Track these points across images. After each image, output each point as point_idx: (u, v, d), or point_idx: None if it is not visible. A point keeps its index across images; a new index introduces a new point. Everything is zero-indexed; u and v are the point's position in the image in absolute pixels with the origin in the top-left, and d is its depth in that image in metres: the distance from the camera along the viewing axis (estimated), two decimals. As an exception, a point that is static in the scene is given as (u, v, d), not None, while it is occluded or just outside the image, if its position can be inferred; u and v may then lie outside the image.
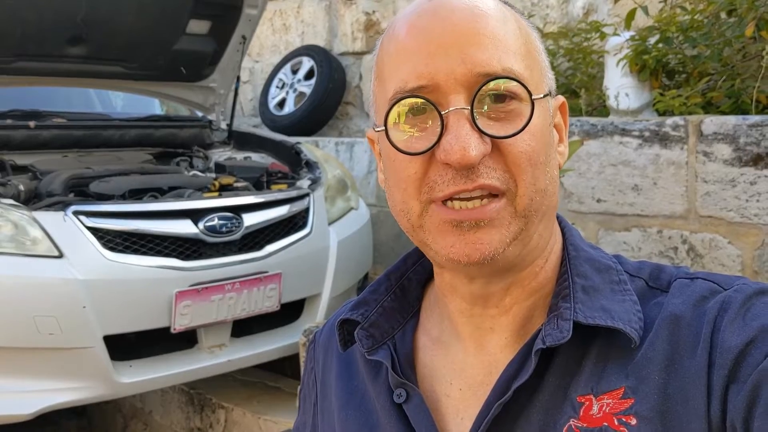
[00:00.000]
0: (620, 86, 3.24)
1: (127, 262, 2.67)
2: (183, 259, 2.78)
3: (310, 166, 3.59)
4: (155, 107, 4.44)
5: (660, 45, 3.19)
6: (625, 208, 2.96)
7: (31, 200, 2.86)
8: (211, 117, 4.19)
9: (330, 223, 3.38)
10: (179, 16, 3.63)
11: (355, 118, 5.64)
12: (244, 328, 3.07)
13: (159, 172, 3.42)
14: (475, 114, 0.70)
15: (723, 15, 3.23)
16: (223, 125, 4.15)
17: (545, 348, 0.72)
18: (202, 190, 3.21)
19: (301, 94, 5.49)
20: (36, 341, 2.49)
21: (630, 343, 0.72)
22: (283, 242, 3.10)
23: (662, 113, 3.13)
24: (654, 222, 2.89)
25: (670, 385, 0.69)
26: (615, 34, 3.44)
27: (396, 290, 0.89)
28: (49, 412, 2.61)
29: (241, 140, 4.10)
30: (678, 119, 2.79)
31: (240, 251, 2.95)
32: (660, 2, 3.53)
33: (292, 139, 3.93)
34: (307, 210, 3.26)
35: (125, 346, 2.75)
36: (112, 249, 2.66)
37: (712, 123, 2.69)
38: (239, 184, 3.38)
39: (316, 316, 3.24)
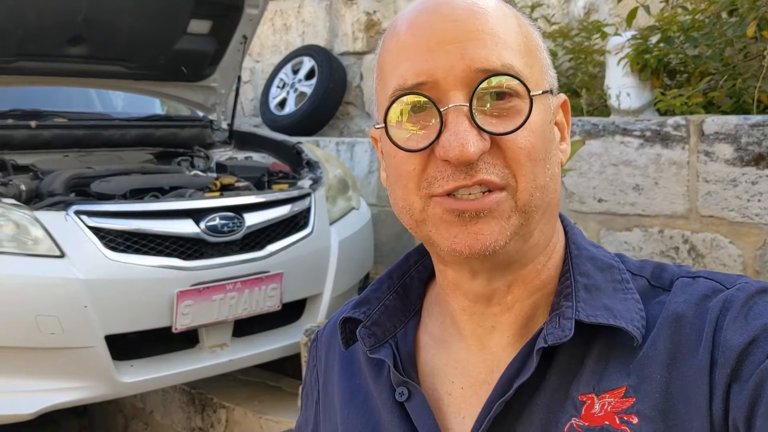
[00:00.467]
0: (621, 86, 3.24)
1: (128, 261, 2.67)
2: (184, 258, 2.78)
3: (311, 165, 3.59)
4: (156, 107, 4.44)
5: (661, 45, 3.20)
6: (626, 207, 2.96)
7: (33, 200, 2.87)
8: (212, 117, 4.19)
9: (331, 223, 3.37)
10: (180, 15, 3.63)
11: (356, 118, 5.64)
12: (245, 327, 3.07)
13: (160, 171, 3.42)
14: (474, 111, 0.70)
15: (724, 15, 3.23)
16: (224, 125, 4.15)
17: (547, 347, 0.72)
18: (203, 189, 3.21)
19: (302, 94, 5.49)
20: (37, 341, 2.49)
21: (632, 342, 0.72)
22: (285, 242, 3.10)
23: (663, 113, 3.13)
24: (655, 222, 2.89)
25: (672, 383, 0.69)
26: (616, 33, 3.45)
27: (398, 289, 0.89)
28: (50, 411, 2.61)
29: (242, 140, 4.11)
30: (679, 119, 2.79)
31: (241, 251, 2.95)
32: (661, 2, 3.53)
33: (293, 139, 3.93)
34: (308, 210, 3.26)
35: (126, 346, 2.74)
36: (113, 249, 2.66)
37: (713, 123, 2.69)
38: (240, 184, 3.38)
39: (318, 316, 3.24)
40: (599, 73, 3.69)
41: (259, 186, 3.52)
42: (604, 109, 3.56)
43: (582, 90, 3.54)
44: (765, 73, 2.86)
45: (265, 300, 2.99)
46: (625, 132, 2.93)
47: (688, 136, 2.76)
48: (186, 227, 2.83)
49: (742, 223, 2.64)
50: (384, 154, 0.80)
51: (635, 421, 0.69)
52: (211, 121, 4.14)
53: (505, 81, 0.71)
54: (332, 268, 3.27)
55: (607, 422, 0.70)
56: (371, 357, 0.84)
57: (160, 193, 3.10)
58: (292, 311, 3.22)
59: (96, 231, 2.65)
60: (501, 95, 0.71)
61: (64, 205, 2.66)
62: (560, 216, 0.85)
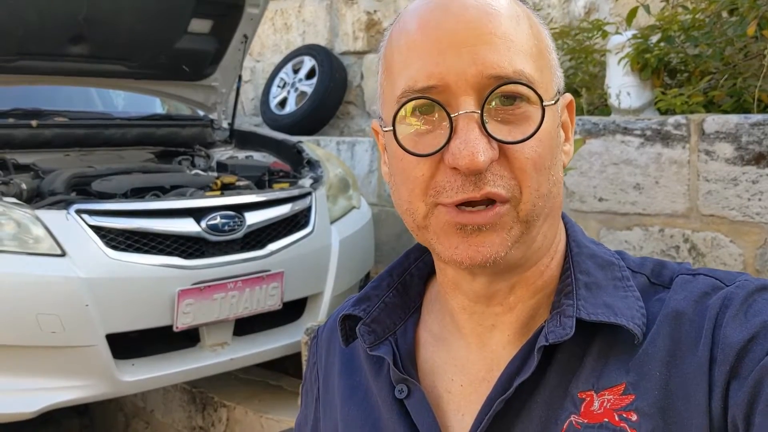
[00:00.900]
0: (622, 85, 3.24)
1: (129, 260, 2.67)
2: (185, 257, 2.79)
3: (312, 164, 3.59)
4: (157, 106, 4.44)
5: (662, 44, 3.20)
6: (626, 207, 2.96)
7: (34, 199, 2.87)
8: (213, 116, 4.19)
9: (332, 222, 3.38)
10: (181, 15, 3.63)
11: (357, 118, 5.64)
12: (246, 326, 3.07)
13: (161, 170, 3.43)
14: (485, 118, 0.69)
15: (724, 14, 3.23)
16: (225, 124, 4.15)
17: (548, 345, 0.72)
18: (204, 188, 3.21)
19: (303, 93, 5.49)
20: (38, 339, 2.49)
21: (632, 339, 0.72)
22: (285, 241, 3.10)
23: (664, 112, 3.13)
24: (656, 221, 2.89)
25: (672, 381, 0.69)
26: (617, 33, 3.45)
27: (398, 286, 0.89)
28: (52, 410, 2.61)
29: (243, 139, 4.11)
30: (680, 118, 2.79)
31: (242, 250, 2.95)
32: (662, 1, 3.53)
33: (294, 138, 3.93)
34: (309, 209, 3.27)
35: (128, 345, 2.75)
36: (114, 247, 2.66)
37: (714, 122, 2.69)
38: (241, 183, 3.38)
39: (318, 315, 3.24)
40: (600, 72, 3.69)
41: (260, 185, 3.53)
42: (604, 109, 3.56)
43: (582, 89, 3.54)
44: (765, 72, 2.86)
45: (266, 299, 2.99)
46: (626, 131, 2.93)
47: (688, 135, 2.76)
48: (187, 226, 2.83)
49: (743, 222, 2.64)
50: (388, 152, 0.79)
51: (634, 418, 0.69)
52: (212, 121, 4.14)
53: (518, 88, 0.70)
54: (333, 267, 3.27)
55: (606, 419, 0.70)
56: (371, 354, 0.84)
57: (160, 192, 3.10)
58: (292, 310, 3.22)
59: (97, 230, 2.65)
60: (510, 100, 0.70)
61: (65, 204, 2.66)
62: (561, 214, 0.85)
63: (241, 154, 3.99)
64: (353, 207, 3.59)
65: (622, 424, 0.69)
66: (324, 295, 3.26)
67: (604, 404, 0.71)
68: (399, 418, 0.79)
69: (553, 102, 0.74)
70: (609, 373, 0.72)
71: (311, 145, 3.86)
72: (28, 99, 3.68)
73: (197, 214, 2.88)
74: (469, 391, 0.79)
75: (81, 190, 3.01)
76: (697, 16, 3.27)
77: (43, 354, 2.53)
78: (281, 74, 5.70)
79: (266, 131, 4.45)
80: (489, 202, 0.70)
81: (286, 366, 3.53)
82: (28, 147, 3.33)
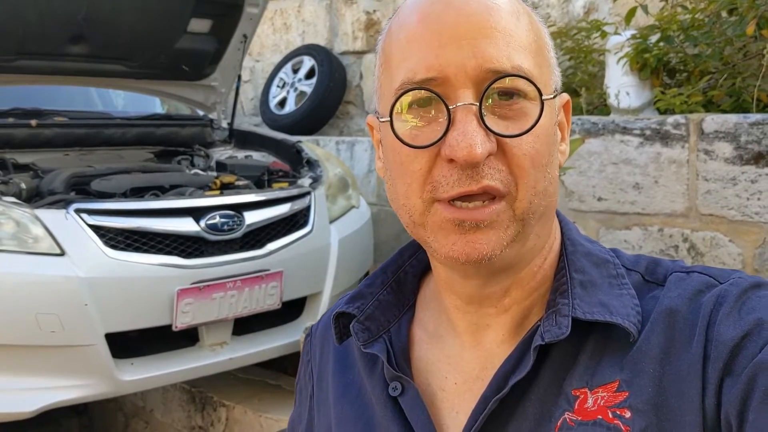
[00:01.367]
0: (621, 85, 3.25)
1: (128, 260, 2.67)
2: (184, 257, 2.79)
3: (311, 164, 3.59)
4: (156, 106, 4.44)
5: (661, 44, 3.20)
6: (626, 206, 2.96)
7: (33, 198, 2.87)
8: (212, 116, 4.19)
9: (331, 222, 3.38)
10: (180, 14, 3.64)
11: (356, 117, 5.64)
12: (245, 326, 3.07)
13: (160, 170, 3.43)
14: (483, 111, 0.69)
15: (724, 14, 3.23)
16: (224, 124, 4.15)
17: (544, 344, 0.73)
18: (203, 188, 3.21)
19: (302, 93, 5.49)
20: (38, 339, 2.49)
21: (627, 337, 0.72)
22: (285, 240, 3.10)
23: (663, 112, 3.13)
24: (655, 220, 2.89)
25: (665, 378, 0.70)
26: (616, 32, 3.45)
27: (392, 284, 0.89)
28: (51, 410, 2.61)
29: (242, 139, 4.11)
30: (679, 117, 2.79)
31: (241, 249, 2.95)
32: (661, 1, 3.53)
33: (293, 138, 3.93)
34: (308, 208, 3.27)
35: (127, 344, 2.75)
36: (113, 247, 2.66)
37: (713, 121, 2.69)
38: (240, 183, 3.38)
39: (317, 315, 3.24)
40: (599, 72, 3.69)
41: (259, 185, 3.53)
42: (603, 108, 3.56)
43: (582, 89, 3.54)
44: (764, 71, 2.86)
45: (265, 298, 2.99)
46: (625, 131, 2.93)
47: (687, 135, 2.76)
48: (186, 225, 2.83)
49: (742, 221, 2.64)
50: (384, 146, 0.79)
51: (628, 415, 0.69)
52: (212, 120, 4.14)
53: (516, 82, 0.70)
54: (332, 267, 3.28)
55: (599, 416, 0.70)
56: (365, 352, 0.84)
57: (160, 191, 3.10)
58: (292, 309, 3.22)
59: (96, 229, 2.65)
60: (509, 95, 0.70)
61: (64, 204, 2.66)
62: (556, 213, 0.84)
63: (241, 154, 3.99)
64: (352, 206, 3.59)
65: (615, 421, 0.69)
66: (323, 295, 3.26)
67: (598, 401, 0.71)
68: (393, 416, 0.79)
69: (551, 96, 0.74)
70: (603, 371, 0.72)
71: (310, 145, 3.86)
72: (28, 98, 3.68)
73: (196, 213, 2.88)
74: (464, 389, 0.79)
75: (80, 189, 3.01)
76: (696, 15, 3.27)
77: (43, 353, 2.53)
78: (281, 74, 5.70)
79: (265, 131, 4.45)
80: (486, 198, 0.70)
81: (285, 365, 3.53)
82: (27, 146, 3.33)
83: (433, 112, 0.71)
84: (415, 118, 0.72)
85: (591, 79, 3.74)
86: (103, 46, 3.56)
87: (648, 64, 3.18)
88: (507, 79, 0.69)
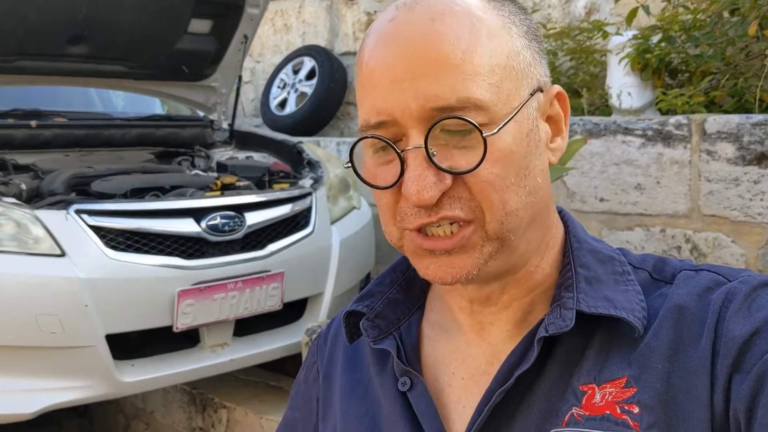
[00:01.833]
0: (623, 85, 3.24)
1: (129, 260, 2.66)
2: (185, 258, 2.78)
3: (312, 165, 3.58)
4: (156, 107, 4.44)
5: (662, 44, 3.20)
6: (628, 207, 2.95)
7: (33, 199, 2.86)
8: (213, 117, 4.19)
9: (332, 223, 3.37)
10: (181, 15, 3.63)
11: (357, 118, 5.60)
12: (246, 327, 3.06)
13: (161, 171, 3.42)
14: (430, 151, 0.68)
15: (725, 14, 3.23)
16: (225, 125, 4.15)
17: (548, 336, 0.73)
18: (204, 189, 3.20)
19: (303, 94, 5.49)
20: (38, 340, 2.49)
21: (633, 333, 0.72)
22: (286, 241, 3.09)
23: (665, 112, 3.13)
24: (657, 221, 2.88)
25: (674, 374, 0.69)
26: (617, 33, 3.45)
27: (401, 283, 0.90)
28: (51, 411, 2.60)
29: (243, 140, 4.10)
30: (681, 118, 2.79)
31: (242, 250, 2.95)
32: (663, 1, 3.53)
33: (294, 139, 3.92)
34: (309, 209, 3.26)
35: (127, 345, 2.74)
36: (114, 248, 2.66)
37: (715, 122, 2.69)
38: (241, 184, 3.37)
39: (319, 316, 3.23)
40: (600, 72, 3.69)
41: (260, 185, 3.52)
42: (605, 109, 3.56)
43: (583, 89, 3.54)
44: (767, 72, 2.85)
45: (266, 299, 2.98)
46: (627, 131, 2.92)
47: (689, 136, 2.75)
48: (187, 226, 2.82)
49: (744, 222, 2.64)
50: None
51: (636, 410, 0.69)
52: (212, 121, 4.13)
53: (461, 119, 0.68)
54: (333, 268, 3.27)
55: (608, 412, 0.70)
56: (375, 349, 0.85)
57: (160, 192, 3.10)
58: (293, 311, 3.21)
59: (97, 230, 2.64)
60: (459, 131, 0.69)
61: (64, 204, 2.66)
62: (560, 210, 0.84)
63: (241, 155, 3.98)
64: (353, 207, 3.58)
65: (624, 417, 0.69)
66: (324, 296, 3.26)
67: (606, 397, 0.71)
68: (401, 411, 0.80)
69: (494, 132, 0.70)
70: (611, 366, 0.72)
71: (311, 146, 3.85)
72: (28, 99, 3.67)
73: (197, 214, 2.87)
74: (470, 383, 0.80)
75: (81, 190, 3.00)
76: (698, 16, 3.27)
77: (43, 354, 2.53)
78: (281, 75, 5.70)
79: (266, 132, 4.45)
80: (452, 222, 0.71)
81: (287, 367, 3.52)
82: (27, 147, 3.33)
83: (389, 157, 0.73)
84: (375, 162, 0.74)
85: (592, 79, 3.73)
86: (103, 47, 3.56)
87: (650, 65, 3.18)
88: (450, 118, 0.68)
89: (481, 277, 0.73)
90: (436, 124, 0.68)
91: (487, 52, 0.70)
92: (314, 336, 1.04)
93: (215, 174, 3.58)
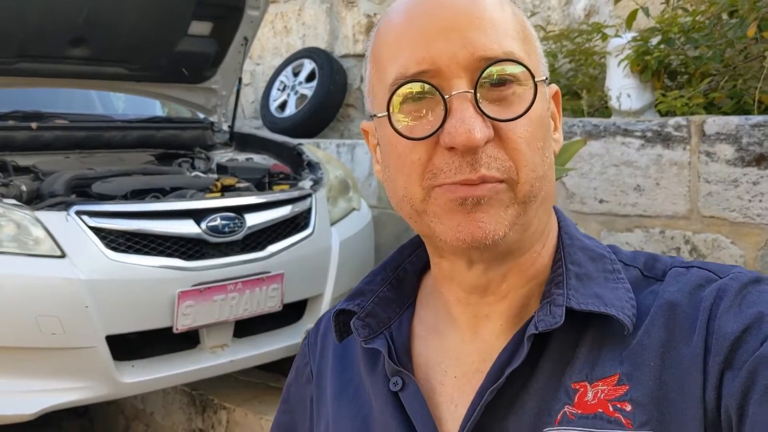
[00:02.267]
0: (622, 87, 3.24)
1: (129, 262, 2.66)
2: (185, 259, 2.78)
3: (312, 166, 3.59)
4: (157, 109, 4.44)
5: (662, 46, 3.20)
6: (627, 208, 2.96)
7: (34, 201, 2.86)
8: (213, 118, 4.19)
9: (332, 224, 3.37)
10: (181, 17, 3.64)
11: (357, 120, 5.64)
12: (246, 328, 3.06)
13: (161, 172, 3.42)
14: (478, 97, 0.70)
15: (725, 16, 3.23)
16: (225, 127, 4.15)
17: (538, 334, 0.73)
18: (204, 190, 3.21)
19: (303, 96, 5.49)
20: (38, 341, 2.49)
21: (623, 330, 0.72)
22: (286, 242, 3.10)
23: (664, 114, 3.13)
24: (656, 222, 2.89)
25: (666, 371, 0.70)
26: (616, 35, 3.45)
27: (392, 281, 0.89)
28: (51, 412, 2.60)
29: (243, 142, 4.11)
30: (680, 119, 2.79)
31: (242, 251, 2.95)
32: (662, 3, 3.53)
33: (294, 141, 3.93)
34: (309, 210, 3.26)
35: (127, 346, 2.74)
36: (114, 249, 2.66)
37: (714, 123, 2.69)
38: (241, 185, 3.38)
39: (319, 317, 3.22)
40: (600, 74, 3.69)
41: (260, 187, 3.52)
42: (604, 111, 3.56)
43: (583, 91, 3.54)
44: (766, 73, 2.86)
45: (266, 300, 2.98)
46: (626, 133, 2.93)
47: (689, 137, 2.76)
48: (187, 227, 2.82)
49: (744, 223, 2.64)
50: (381, 145, 0.80)
51: (628, 408, 0.69)
52: (212, 123, 4.14)
53: (508, 68, 0.71)
54: (333, 269, 3.27)
55: (600, 410, 0.70)
56: (366, 348, 0.84)
57: (161, 193, 3.10)
58: (293, 312, 3.21)
59: (97, 231, 2.65)
60: (501, 82, 0.71)
61: (65, 206, 2.66)
62: (553, 207, 0.85)
63: (242, 157, 3.99)
64: (353, 209, 3.59)
65: (616, 415, 0.69)
66: (324, 297, 3.26)
67: (598, 395, 0.71)
68: (393, 411, 0.80)
69: (544, 78, 0.75)
70: (603, 364, 0.72)
71: (311, 148, 3.86)
72: (28, 101, 3.68)
73: (197, 215, 2.87)
74: (463, 382, 0.80)
75: (81, 191, 3.00)
76: (697, 18, 3.27)
77: (43, 355, 2.53)
78: (281, 77, 5.70)
79: (266, 134, 4.45)
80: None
81: (287, 368, 3.50)
82: (28, 149, 3.33)
83: (424, 111, 0.72)
84: (407, 117, 0.73)
85: (592, 81, 3.74)
86: (103, 49, 3.56)
87: (649, 67, 3.18)
88: (500, 65, 0.70)
89: (501, 246, 0.73)
90: (488, 67, 0.70)
91: (519, 22, 0.76)
92: (304, 335, 1.04)
93: (215, 175, 3.58)
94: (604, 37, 3.62)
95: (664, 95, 3.07)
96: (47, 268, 2.52)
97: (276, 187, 3.49)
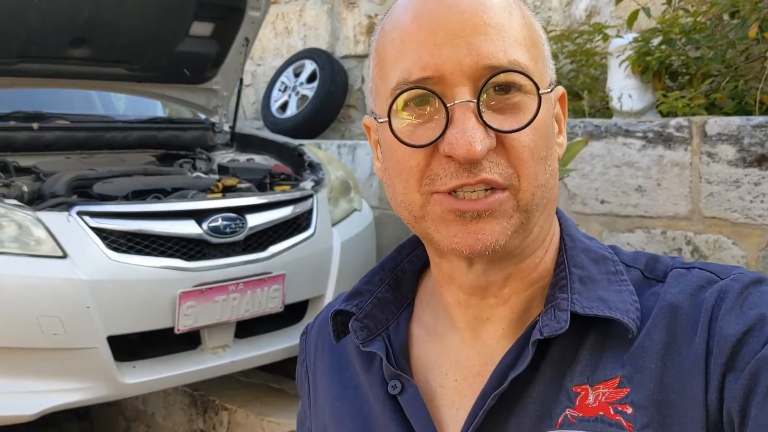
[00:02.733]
0: (623, 88, 3.24)
1: (130, 262, 2.66)
2: (187, 259, 2.78)
3: (313, 167, 3.58)
4: (158, 109, 4.44)
5: (663, 46, 3.20)
6: (628, 209, 2.95)
7: (35, 201, 2.86)
8: (214, 119, 4.19)
9: (333, 225, 3.37)
10: (182, 18, 3.64)
11: (358, 121, 5.64)
12: (247, 329, 3.06)
13: (162, 173, 3.43)
14: (481, 107, 0.69)
15: (726, 17, 3.23)
16: (226, 127, 4.15)
17: (542, 339, 0.72)
18: (205, 191, 3.21)
19: (304, 97, 5.49)
20: (40, 341, 2.49)
21: (626, 333, 0.72)
22: (287, 243, 3.09)
23: (665, 114, 3.13)
24: (658, 223, 2.88)
25: (667, 374, 0.69)
26: (618, 36, 3.45)
27: (390, 281, 0.88)
28: (52, 413, 2.60)
29: (244, 142, 4.11)
30: (682, 120, 2.79)
31: (244, 252, 2.95)
32: (663, 4, 3.53)
33: (295, 141, 3.93)
34: (310, 211, 3.26)
35: (129, 347, 2.74)
36: (116, 249, 2.66)
37: (716, 124, 2.69)
38: (242, 186, 3.38)
39: (319, 316, 3.22)
40: (601, 75, 3.69)
41: (261, 188, 3.52)
42: (606, 111, 3.56)
43: (584, 92, 3.54)
44: (767, 74, 2.86)
45: (268, 301, 2.98)
46: (628, 133, 2.93)
47: (690, 138, 2.76)
48: (188, 228, 2.82)
49: (745, 224, 2.64)
50: (382, 146, 0.79)
51: (629, 411, 0.69)
52: (213, 124, 4.14)
53: (513, 77, 0.70)
54: (334, 270, 3.27)
55: (601, 413, 0.70)
56: (363, 350, 0.84)
57: (162, 194, 3.10)
58: (294, 312, 3.21)
59: (98, 232, 2.65)
60: (505, 90, 0.70)
61: (66, 206, 2.66)
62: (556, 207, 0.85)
63: (243, 157, 3.99)
64: (354, 209, 3.59)
65: (617, 417, 0.69)
66: (325, 298, 3.25)
67: (599, 398, 0.70)
68: (392, 414, 0.79)
69: (548, 90, 0.74)
70: (604, 367, 0.72)
71: (312, 148, 3.86)
72: (30, 102, 3.68)
73: (199, 216, 2.87)
74: (464, 385, 0.79)
75: (82, 192, 3.00)
76: (698, 18, 3.27)
77: (44, 356, 2.53)
78: (282, 78, 5.70)
79: (267, 134, 4.45)
80: (486, 188, 0.70)
81: (288, 369, 3.52)
82: (29, 150, 3.33)
83: (429, 110, 0.71)
84: (411, 115, 0.72)
85: (593, 82, 3.73)
86: (104, 50, 3.56)
87: (650, 67, 3.18)
88: (504, 74, 0.69)
89: (500, 253, 0.73)
90: (492, 77, 0.69)
91: (527, 27, 0.74)
92: (303, 330, 1.04)
93: (216, 176, 3.58)
94: (606, 38, 3.62)
95: (665, 96, 3.07)
96: (48, 269, 2.52)
97: (277, 188, 3.49)
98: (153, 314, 2.70)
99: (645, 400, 0.69)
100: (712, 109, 3.07)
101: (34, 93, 3.83)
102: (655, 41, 3.23)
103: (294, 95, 5.57)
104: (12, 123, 3.36)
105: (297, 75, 5.63)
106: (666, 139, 2.82)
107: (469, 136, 0.67)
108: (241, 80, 4.05)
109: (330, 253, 3.29)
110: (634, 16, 3.34)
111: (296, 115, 5.43)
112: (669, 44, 3.21)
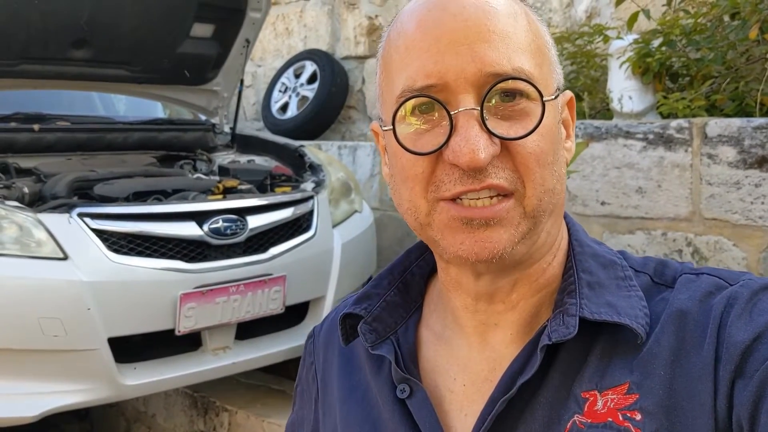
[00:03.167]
0: (624, 89, 3.24)
1: (131, 264, 2.66)
2: (187, 261, 2.78)
3: (314, 168, 3.59)
4: (158, 111, 4.44)
5: (663, 48, 3.20)
6: (629, 210, 2.96)
7: (36, 203, 2.86)
8: (215, 120, 4.19)
9: (334, 226, 3.37)
10: (183, 19, 3.64)
11: (358, 122, 5.64)
12: (248, 330, 3.06)
13: (163, 174, 3.43)
14: (485, 115, 0.69)
15: (726, 18, 3.23)
16: (227, 128, 4.15)
17: (551, 344, 0.72)
18: (206, 192, 3.21)
19: (304, 98, 5.49)
20: (40, 343, 2.49)
21: (635, 339, 0.72)
22: (288, 244, 3.09)
23: (666, 116, 3.13)
24: (658, 224, 2.88)
25: (676, 380, 0.69)
26: (618, 37, 3.45)
27: (399, 285, 0.89)
28: (53, 414, 2.60)
29: (245, 143, 4.11)
30: (682, 121, 2.79)
31: (244, 253, 2.95)
32: (663, 5, 3.53)
33: (296, 143, 3.93)
34: (311, 212, 3.26)
35: (130, 348, 2.74)
36: (116, 251, 2.66)
37: (716, 125, 2.69)
38: (243, 187, 3.38)
39: (321, 319, 3.21)
40: (601, 76, 3.69)
41: (262, 189, 3.52)
42: (606, 113, 3.56)
43: (584, 93, 3.55)
44: (767, 75, 2.86)
45: (268, 303, 2.98)
46: (628, 135, 2.93)
47: (691, 139, 2.76)
48: (189, 230, 2.82)
49: (746, 225, 2.64)
50: (388, 152, 0.79)
51: (638, 417, 0.69)
52: (214, 125, 4.14)
53: (517, 84, 0.70)
54: (335, 271, 3.27)
55: (610, 419, 0.70)
56: (372, 353, 0.84)
57: (163, 195, 3.10)
58: (295, 314, 3.21)
59: (99, 233, 2.65)
60: (510, 96, 0.70)
61: (67, 208, 2.66)
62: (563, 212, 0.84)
63: (243, 159, 3.99)
64: (355, 211, 3.59)
65: (626, 424, 0.69)
66: (326, 299, 3.26)
67: (608, 404, 0.70)
68: (401, 418, 0.79)
69: (553, 97, 0.74)
70: (613, 373, 0.72)
71: (313, 150, 3.86)
72: (31, 103, 3.68)
73: (199, 217, 2.87)
74: (472, 390, 0.79)
75: (83, 193, 3.00)
76: (698, 20, 3.27)
77: (45, 357, 2.52)
78: (283, 79, 5.70)
79: (268, 135, 4.45)
80: (492, 194, 0.70)
81: (289, 370, 3.52)
82: (30, 151, 3.33)
83: (435, 115, 0.71)
84: (418, 120, 0.72)
85: (593, 83, 3.74)
86: (105, 51, 3.56)
87: (650, 69, 3.18)
88: (508, 82, 0.69)
89: (507, 260, 0.72)
90: (495, 84, 0.69)
91: (533, 33, 0.74)
92: (309, 333, 1.03)
93: (217, 177, 3.58)
94: (606, 39, 3.62)
95: (665, 97, 3.07)
96: (49, 270, 2.52)
97: (278, 189, 3.49)
98: (154, 316, 2.70)
99: (654, 406, 0.69)
100: (713, 110, 3.07)
101: (35, 94, 3.83)
102: (656, 43, 3.23)
103: (294, 96, 5.57)
104: (13, 124, 3.36)
105: (297, 76, 5.63)
106: (666, 141, 2.82)
107: (473, 143, 0.68)
108: (242, 81, 4.05)
109: (331, 254, 3.29)
110: (634, 18, 3.34)
111: (297, 116, 5.43)
112: (669, 46, 3.22)
